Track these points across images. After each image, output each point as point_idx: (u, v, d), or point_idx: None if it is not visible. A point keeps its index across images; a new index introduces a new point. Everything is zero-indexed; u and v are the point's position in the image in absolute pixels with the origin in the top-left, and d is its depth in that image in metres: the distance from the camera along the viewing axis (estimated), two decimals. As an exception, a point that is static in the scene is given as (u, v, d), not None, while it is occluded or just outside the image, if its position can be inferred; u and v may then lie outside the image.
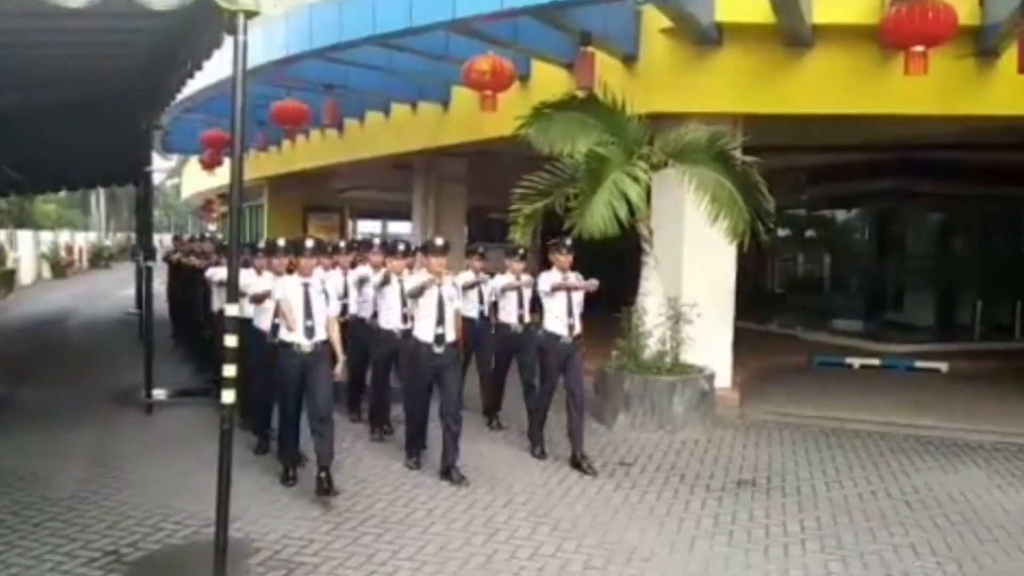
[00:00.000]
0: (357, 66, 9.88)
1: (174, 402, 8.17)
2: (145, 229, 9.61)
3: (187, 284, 10.39)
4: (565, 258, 6.56)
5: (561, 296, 6.41)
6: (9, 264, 22.02)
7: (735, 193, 7.31)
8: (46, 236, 28.64)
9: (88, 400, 8.28)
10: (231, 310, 4.07)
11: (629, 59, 8.60)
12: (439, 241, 6.09)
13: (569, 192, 7.31)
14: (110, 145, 9.21)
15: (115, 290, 20.72)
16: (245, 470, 5.78)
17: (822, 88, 8.04)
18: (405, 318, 6.65)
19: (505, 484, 5.91)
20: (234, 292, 4.10)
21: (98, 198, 43.81)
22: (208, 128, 13.41)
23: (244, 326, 6.55)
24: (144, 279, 8.81)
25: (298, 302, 5.50)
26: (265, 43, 8.37)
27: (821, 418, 8.19)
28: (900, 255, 13.64)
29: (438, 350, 5.90)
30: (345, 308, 7.09)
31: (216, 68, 5.88)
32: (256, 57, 6.73)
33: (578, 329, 6.49)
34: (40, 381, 9.31)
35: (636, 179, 7.12)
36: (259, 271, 6.72)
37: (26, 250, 24.92)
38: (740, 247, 7.74)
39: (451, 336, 5.98)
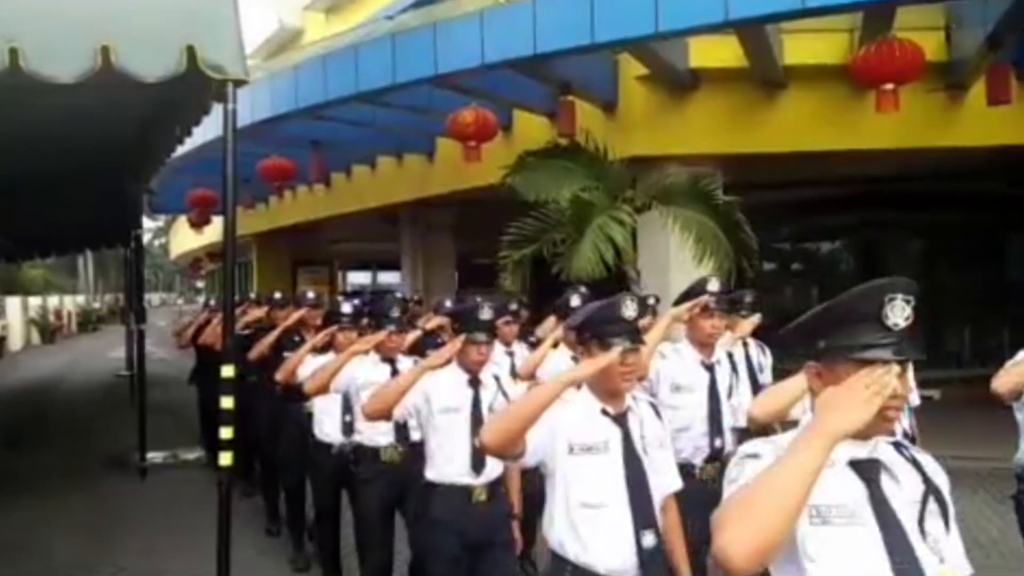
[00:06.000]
0: (342, 122, 10.04)
1: (169, 464, 8.12)
2: (136, 292, 9.62)
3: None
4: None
5: None
6: (-2, 331, 21.95)
7: (719, 232, 7.44)
8: (34, 301, 28.51)
9: (83, 466, 8.20)
10: (227, 371, 4.04)
11: (608, 106, 8.79)
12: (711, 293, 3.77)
13: (556, 237, 7.42)
14: (99, 210, 9.26)
15: (104, 353, 20.59)
16: (244, 533, 5.70)
17: (796, 127, 8.24)
18: None
19: None
20: (231, 353, 4.10)
21: (85, 260, 43.73)
22: (195, 187, 13.52)
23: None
24: (136, 341, 8.80)
25: (462, 410, 3.20)
26: (251, 104, 8.50)
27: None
28: (886, 285, 13.75)
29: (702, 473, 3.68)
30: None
31: (203, 128, 5.80)
32: (243, 118, 6.82)
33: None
34: (35, 447, 9.23)
35: (621, 222, 7.25)
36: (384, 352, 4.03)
37: (14, 316, 24.78)
38: (727, 284, 7.82)
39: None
